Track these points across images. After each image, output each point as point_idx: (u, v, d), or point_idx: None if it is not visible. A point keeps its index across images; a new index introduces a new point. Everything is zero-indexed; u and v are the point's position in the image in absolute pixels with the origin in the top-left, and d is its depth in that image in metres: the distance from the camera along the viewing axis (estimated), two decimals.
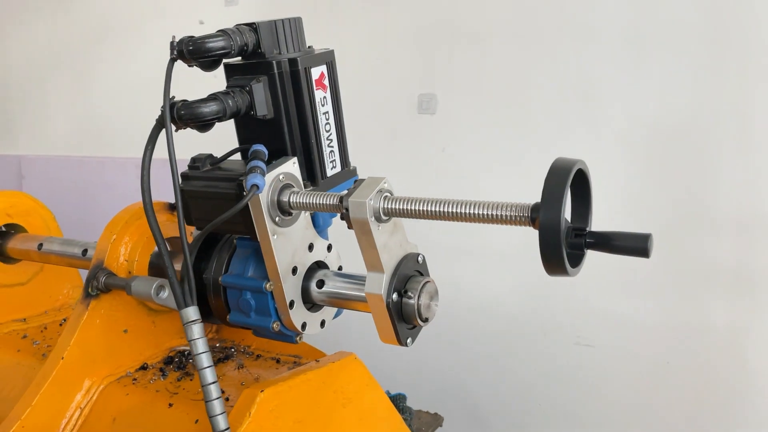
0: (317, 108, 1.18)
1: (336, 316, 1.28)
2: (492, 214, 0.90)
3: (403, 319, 1.08)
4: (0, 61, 4.05)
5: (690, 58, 2.21)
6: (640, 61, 2.30)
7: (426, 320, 1.09)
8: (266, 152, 1.11)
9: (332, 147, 1.22)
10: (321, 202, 1.06)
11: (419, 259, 1.12)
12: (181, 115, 1.07)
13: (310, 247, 1.19)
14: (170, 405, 1.21)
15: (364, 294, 1.13)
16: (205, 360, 1.02)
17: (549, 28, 2.43)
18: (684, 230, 2.30)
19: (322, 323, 1.24)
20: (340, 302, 1.18)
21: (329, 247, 1.24)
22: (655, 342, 2.42)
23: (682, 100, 2.23)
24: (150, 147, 1.09)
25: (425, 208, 0.96)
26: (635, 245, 0.85)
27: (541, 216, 0.79)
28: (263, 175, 1.04)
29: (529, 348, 2.62)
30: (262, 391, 1.07)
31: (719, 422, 2.34)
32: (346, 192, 1.03)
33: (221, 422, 1.01)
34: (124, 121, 3.71)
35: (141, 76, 3.62)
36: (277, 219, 1.11)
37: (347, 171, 1.27)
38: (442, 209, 0.94)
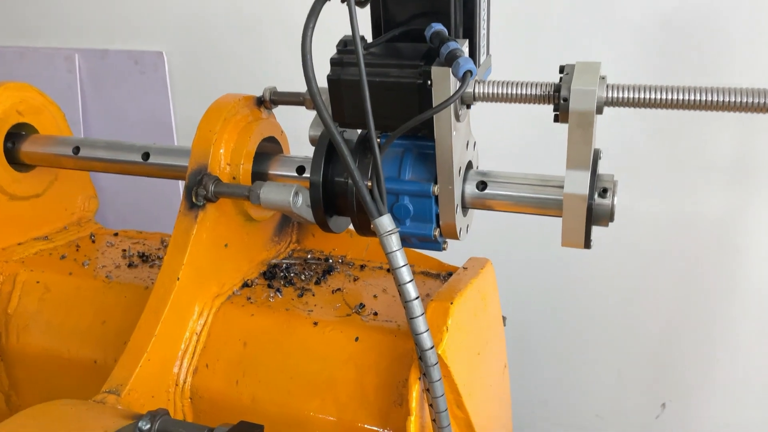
0: None
1: None
2: (761, 102, 0.83)
3: (593, 220, 1.01)
4: None
5: None
6: None
7: (612, 220, 1.03)
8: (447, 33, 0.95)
9: (484, 29, 1.08)
10: (524, 92, 0.93)
11: (600, 154, 1.03)
12: None
13: (466, 145, 1.07)
14: (315, 324, 1.08)
15: (535, 196, 1.05)
16: (406, 274, 0.90)
17: None
18: (690, 121, 2.33)
19: (467, 228, 1.14)
20: (504, 205, 1.08)
21: (474, 144, 1.13)
22: (651, 233, 2.52)
23: None
24: (312, 24, 0.89)
25: (669, 97, 0.87)
26: None
27: None
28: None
29: (522, 243, 2.64)
30: (451, 303, 0.98)
31: (710, 299, 2.51)
32: (559, 79, 0.91)
33: (427, 340, 0.91)
34: (44, 4, 3.18)
35: None
36: (460, 113, 0.97)
37: (489, 58, 1.14)
38: (693, 98, 0.86)
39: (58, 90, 3.16)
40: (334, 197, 1.11)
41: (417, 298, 0.91)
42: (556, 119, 0.93)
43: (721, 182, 2.41)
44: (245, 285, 1.21)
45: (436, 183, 1.02)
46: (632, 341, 2.65)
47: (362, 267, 1.30)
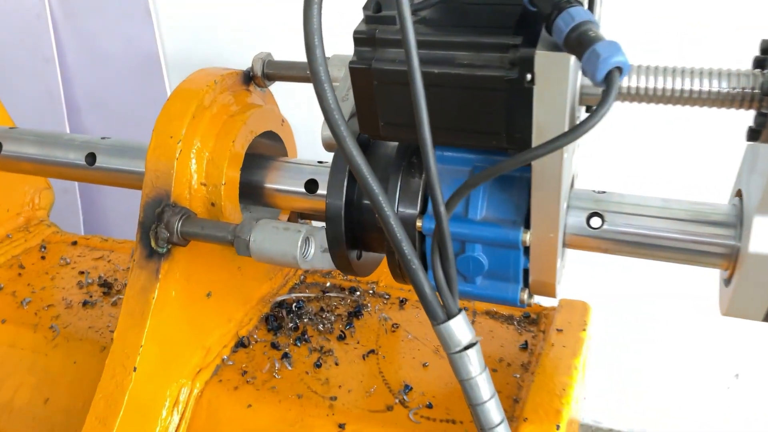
0: None
1: None
2: None
3: None
4: None
5: None
6: None
7: None
8: None
9: None
10: (706, 89, 0.52)
11: None
12: None
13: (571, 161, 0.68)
14: (341, 427, 0.73)
15: (685, 238, 0.66)
16: (495, 413, 0.54)
17: None
18: None
19: (562, 274, 0.77)
20: (629, 250, 0.69)
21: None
22: None
23: None
24: None
25: None
26: None
27: None
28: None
29: None
30: (558, 427, 0.62)
31: None
32: (757, 64, 0.51)
33: None
34: None
35: None
36: (576, 121, 0.57)
37: (601, 6, 0.72)
38: None
39: (25, 21, 2.71)
40: (362, 228, 0.73)
41: None
42: (754, 136, 0.53)
43: None
44: (240, 344, 0.86)
45: (527, 227, 0.64)
46: (705, 310, 2.30)
47: (402, 302, 0.94)
